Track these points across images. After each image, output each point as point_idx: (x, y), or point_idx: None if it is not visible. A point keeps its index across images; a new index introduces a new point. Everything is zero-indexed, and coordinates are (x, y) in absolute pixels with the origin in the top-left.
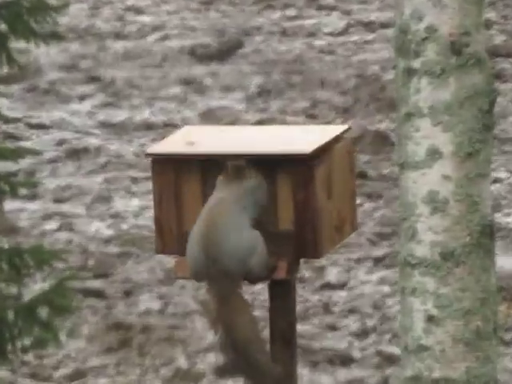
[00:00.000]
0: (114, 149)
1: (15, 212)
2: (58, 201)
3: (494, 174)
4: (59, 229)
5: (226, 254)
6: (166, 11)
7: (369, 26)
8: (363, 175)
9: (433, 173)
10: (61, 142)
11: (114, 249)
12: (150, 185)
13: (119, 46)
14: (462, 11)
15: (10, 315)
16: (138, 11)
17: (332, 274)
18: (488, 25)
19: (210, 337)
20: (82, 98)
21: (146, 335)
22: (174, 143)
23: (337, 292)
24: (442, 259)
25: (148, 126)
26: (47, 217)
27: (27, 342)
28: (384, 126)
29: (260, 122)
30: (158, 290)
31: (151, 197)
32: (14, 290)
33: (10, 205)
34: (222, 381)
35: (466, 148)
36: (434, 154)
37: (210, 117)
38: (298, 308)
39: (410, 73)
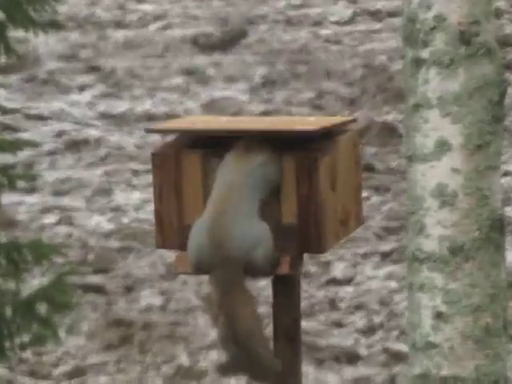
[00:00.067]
0: (115, 140)
1: (13, 205)
2: (57, 194)
3: (505, 167)
4: (58, 222)
5: (232, 239)
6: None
7: (376, 15)
8: (370, 168)
9: (441, 165)
10: (60, 134)
11: (114, 243)
12: (151, 177)
13: (120, 35)
14: (471, 0)
15: (8, 311)
16: None
17: (338, 270)
18: (498, 14)
19: (213, 334)
20: (82, 88)
21: (147, 332)
22: (176, 123)
23: (343, 288)
24: (450, 254)
25: (149, 118)
26: (46, 210)
27: (26, 338)
28: (391, 117)
29: (264, 113)
30: (159, 285)
31: (152, 190)
32: (12, 285)
33: (8, 198)
34: (225, 379)
35: (476, 140)
36: (443, 146)
37: (213, 108)
38: (303, 304)
39: (418, 63)
